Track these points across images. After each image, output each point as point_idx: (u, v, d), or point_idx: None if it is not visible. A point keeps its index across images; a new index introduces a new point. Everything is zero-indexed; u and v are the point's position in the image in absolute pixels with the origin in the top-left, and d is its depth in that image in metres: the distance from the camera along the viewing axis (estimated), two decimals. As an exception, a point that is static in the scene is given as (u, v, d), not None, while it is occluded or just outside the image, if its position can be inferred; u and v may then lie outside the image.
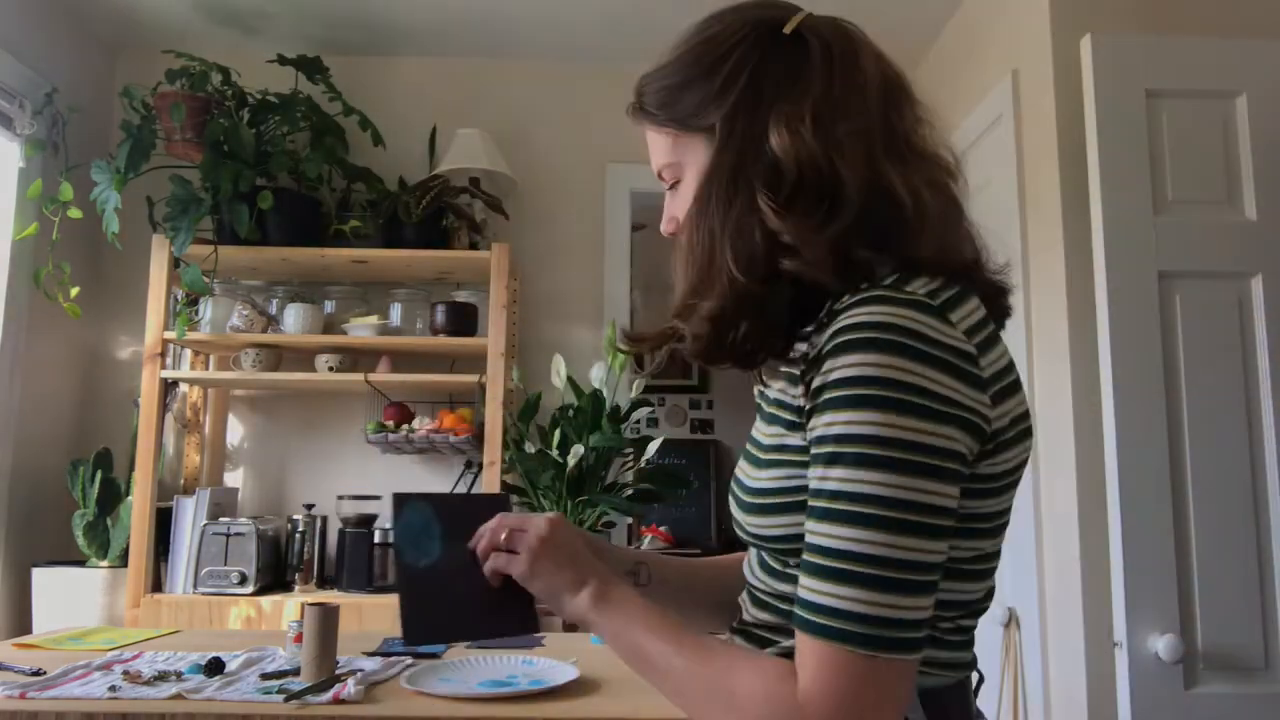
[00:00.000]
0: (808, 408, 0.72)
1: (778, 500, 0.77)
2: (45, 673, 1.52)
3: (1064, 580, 2.01)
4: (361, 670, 1.57)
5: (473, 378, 2.67)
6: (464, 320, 2.73)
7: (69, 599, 2.54)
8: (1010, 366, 0.76)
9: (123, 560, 2.59)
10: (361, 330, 2.71)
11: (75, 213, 2.57)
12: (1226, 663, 1.71)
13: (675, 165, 0.84)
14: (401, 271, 2.86)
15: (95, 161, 2.61)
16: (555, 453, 2.66)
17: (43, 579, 2.55)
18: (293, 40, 2.99)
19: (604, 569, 0.84)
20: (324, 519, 2.75)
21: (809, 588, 0.68)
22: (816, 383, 0.71)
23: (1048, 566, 2.10)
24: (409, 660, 1.70)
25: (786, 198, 0.74)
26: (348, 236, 2.74)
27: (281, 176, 2.73)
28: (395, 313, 2.88)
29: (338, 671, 1.55)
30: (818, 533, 0.68)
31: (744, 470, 0.83)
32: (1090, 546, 1.93)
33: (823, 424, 0.69)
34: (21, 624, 2.58)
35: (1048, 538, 2.10)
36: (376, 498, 2.80)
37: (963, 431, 0.69)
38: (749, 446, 0.84)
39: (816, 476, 0.69)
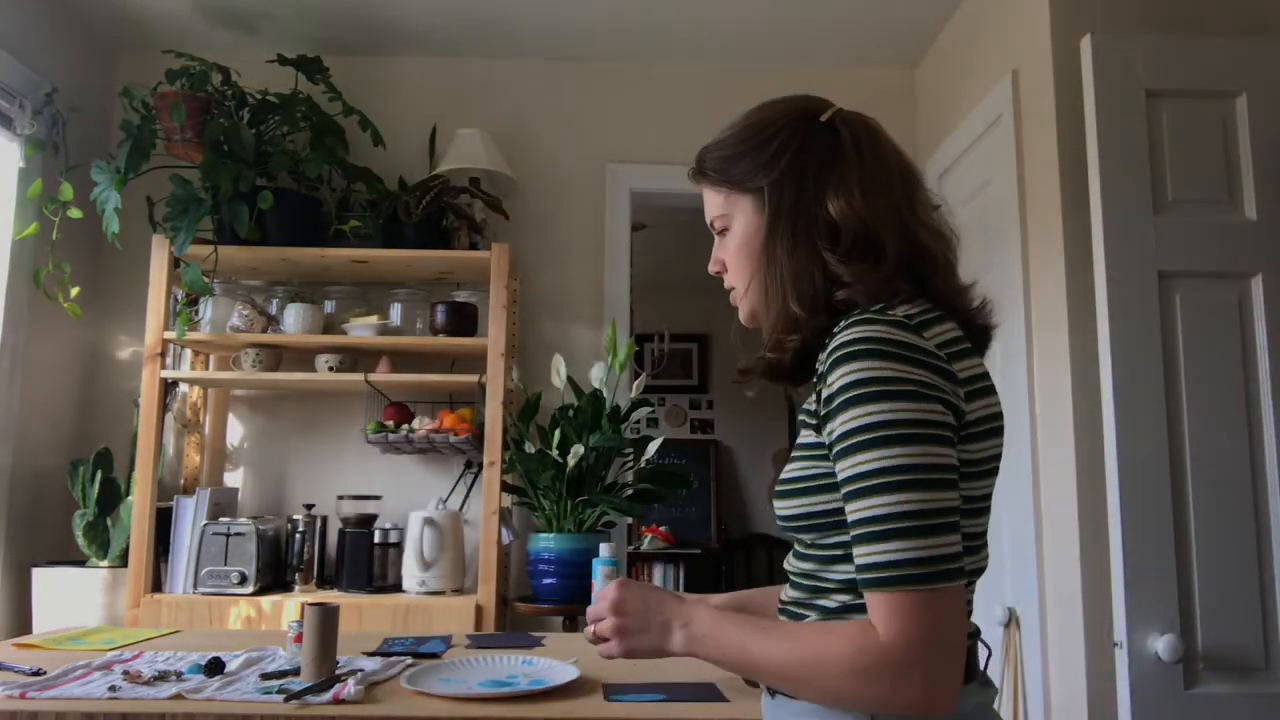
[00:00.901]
0: (822, 413, 0.89)
1: (796, 486, 0.93)
2: (45, 673, 1.52)
3: (1064, 580, 2.01)
4: (361, 670, 1.57)
5: (473, 378, 2.67)
6: (464, 320, 2.73)
7: (69, 599, 2.54)
8: (982, 376, 0.93)
9: (123, 560, 2.59)
10: (361, 330, 2.71)
11: (75, 213, 2.57)
12: (1226, 663, 1.71)
13: (725, 217, 1.05)
14: (401, 271, 2.86)
15: (95, 161, 2.61)
16: (555, 453, 2.66)
17: (43, 579, 2.55)
18: (293, 40, 2.99)
19: (677, 604, 0.98)
20: (324, 519, 2.75)
21: (863, 554, 0.83)
22: (825, 394, 0.88)
23: (1048, 566, 2.10)
24: (409, 660, 1.70)
25: (846, 250, 0.94)
26: (348, 236, 2.74)
27: (281, 176, 2.73)
28: (395, 313, 2.88)
29: (338, 671, 1.55)
30: (857, 509, 0.83)
31: (784, 469, 0.99)
32: (1090, 546, 1.93)
33: (837, 426, 0.86)
34: (21, 624, 2.58)
35: (1048, 538, 2.10)
36: (377, 498, 2.80)
37: (944, 407, 0.85)
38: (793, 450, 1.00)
39: (844, 469, 0.85)
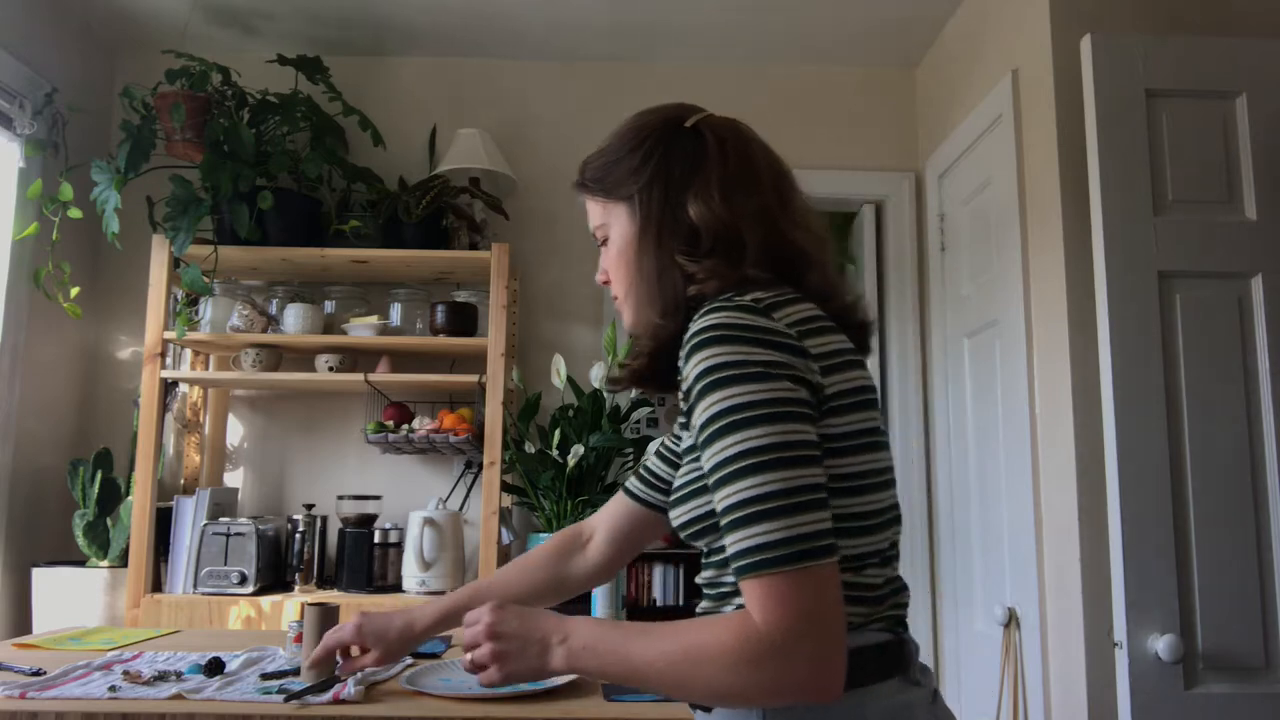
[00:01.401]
0: (685, 408, 0.90)
1: (684, 491, 0.94)
2: (45, 673, 1.52)
3: (1064, 580, 2.01)
4: (362, 670, 1.57)
5: (473, 378, 2.67)
6: (464, 320, 2.73)
7: (69, 599, 2.54)
8: (842, 351, 0.92)
9: (123, 560, 2.59)
10: (361, 330, 2.71)
11: (75, 213, 2.57)
12: (1226, 663, 1.71)
13: (604, 226, 1.07)
14: (401, 271, 2.86)
15: (95, 161, 2.60)
16: (555, 453, 2.66)
17: (43, 579, 2.55)
18: (293, 40, 2.99)
19: (554, 620, 0.94)
20: (324, 519, 2.75)
21: (731, 541, 0.81)
22: (684, 387, 0.88)
23: (1048, 566, 2.10)
24: (409, 660, 1.70)
25: (706, 252, 0.95)
26: (348, 236, 2.74)
27: (281, 176, 2.72)
28: (395, 313, 2.88)
29: (337, 672, 1.55)
30: (721, 497, 0.82)
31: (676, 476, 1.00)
32: (1090, 546, 1.93)
33: (695, 416, 0.85)
34: (21, 624, 2.58)
35: (1048, 538, 2.10)
36: (377, 498, 2.80)
37: (794, 384, 0.84)
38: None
39: (706, 458, 0.84)
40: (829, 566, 0.79)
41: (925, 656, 2.83)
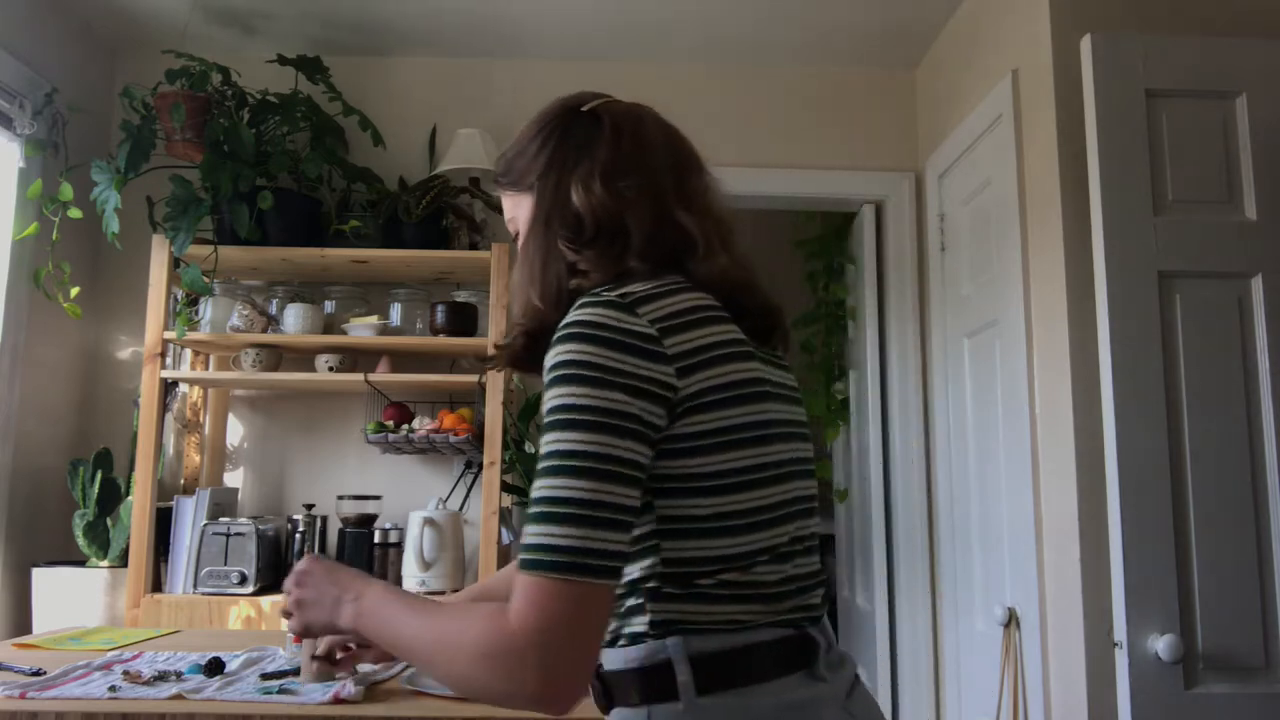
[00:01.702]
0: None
1: None
2: (45, 673, 1.52)
3: (1064, 580, 2.01)
4: (361, 670, 1.57)
5: (473, 378, 2.67)
6: (464, 320, 2.73)
7: (69, 599, 2.54)
8: (720, 344, 0.89)
9: (123, 560, 2.59)
10: (361, 330, 2.71)
11: (75, 213, 2.57)
12: (1226, 663, 1.71)
13: (514, 219, 1.06)
14: (401, 271, 2.86)
15: (95, 161, 2.60)
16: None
17: (43, 579, 2.55)
18: (293, 40, 2.99)
19: (355, 580, 0.99)
20: (324, 519, 2.75)
21: (526, 533, 0.81)
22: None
23: (1048, 566, 2.10)
24: (409, 660, 1.70)
25: (588, 239, 0.94)
26: (348, 236, 2.74)
27: (281, 176, 2.72)
28: (395, 313, 2.88)
29: (338, 675, 1.55)
30: (534, 487, 0.82)
31: None
32: (1090, 546, 1.93)
33: (544, 405, 0.85)
34: (21, 624, 2.58)
35: (1048, 538, 2.10)
36: (377, 498, 2.80)
37: (634, 396, 0.82)
38: None
39: (540, 446, 0.84)
40: (600, 588, 0.78)
41: (925, 656, 2.84)
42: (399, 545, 2.69)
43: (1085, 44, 1.87)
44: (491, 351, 1.07)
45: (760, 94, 3.14)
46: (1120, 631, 1.70)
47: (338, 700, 1.40)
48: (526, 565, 0.79)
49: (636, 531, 0.87)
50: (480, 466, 2.71)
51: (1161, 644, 1.67)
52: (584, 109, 1.03)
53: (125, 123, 2.61)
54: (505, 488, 2.70)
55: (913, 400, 2.97)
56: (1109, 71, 1.85)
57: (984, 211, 2.54)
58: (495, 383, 2.64)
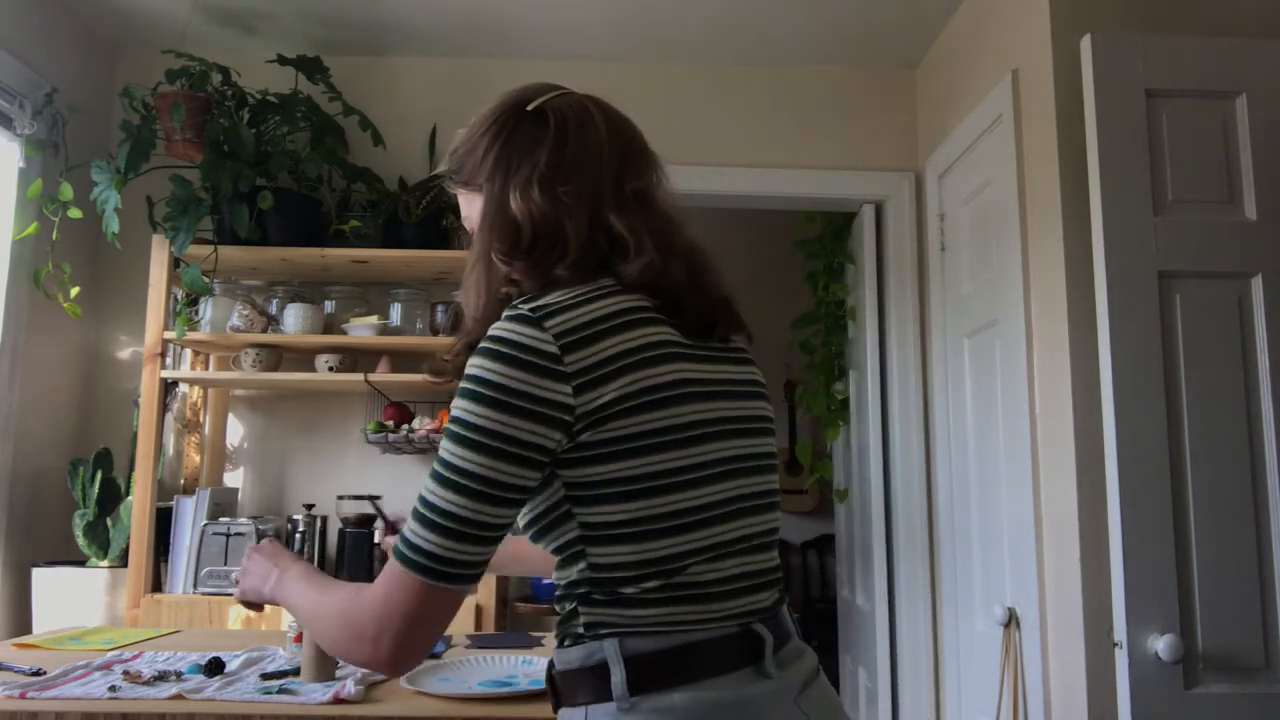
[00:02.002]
0: None
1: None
2: (45, 673, 1.52)
3: (1064, 580, 2.01)
4: (361, 670, 1.57)
5: (473, 378, 2.67)
6: (464, 320, 2.72)
7: (69, 599, 2.54)
8: (640, 349, 0.89)
9: (123, 560, 2.59)
10: (361, 330, 2.71)
11: (75, 213, 2.57)
12: (1226, 663, 1.71)
13: (469, 218, 1.06)
14: (401, 271, 2.86)
15: (95, 161, 2.60)
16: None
17: (43, 579, 2.55)
18: (293, 40, 2.99)
19: (290, 562, 1.12)
20: (324, 519, 2.75)
21: (404, 525, 0.89)
22: None
23: (1048, 566, 2.10)
24: (409, 660, 1.70)
25: (525, 248, 0.95)
26: (348, 236, 2.74)
27: (281, 176, 2.72)
28: (395, 313, 2.88)
29: (338, 672, 1.55)
30: (423, 486, 0.89)
31: None
32: (1090, 546, 1.93)
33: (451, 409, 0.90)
34: (21, 624, 2.58)
35: (1048, 538, 2.10)
36: (377, 498, 2.79)
37: (526, 420, 0.85)
38: None
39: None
40: (450, 592, 0.87)
41: (925, 656, 2.84)
42: (399, 545, 2.69)
43: (1085, 44, 1.87)
44: (434, 366, 1.09)
45: (760, 94, 3.14)
46: (1120, 631, 1.70)
47: (338, 700, 1.40)
48: (395, 554, 0.88)
49: (564, 538, 0.91)
50: (480, 466, 2.71)
51: (1161, 644, 1.67)
52: (529, 108, 1.01)
53: (125, 123, 2.61)
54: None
55: (913, 400, 2.97)
56: (1109, 71, 1.85)
57: (984, 211, 2.54)
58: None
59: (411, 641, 0.87)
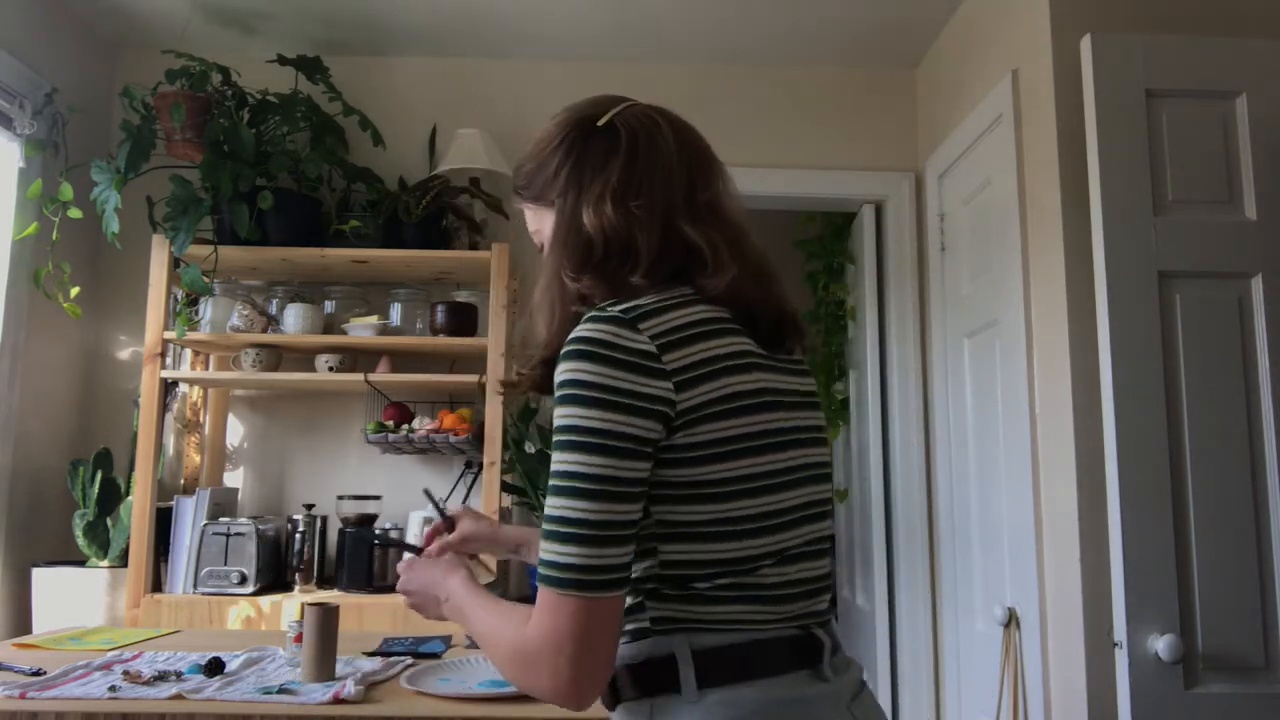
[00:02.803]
0: None
1: None
2: (45, 673, 1.52)
3: (1064, 580, 2.01)
4: (361, 670, 1.57)
5: (473, 378, 2.67)
6: (464, 320, 2.73)
7: (69, 599, 2.54)
8: (725, 357, 0.92)
9: (123, 560, 2.59)
10: (361, 330, 2.71)
11: (75, 213, 2.57)
12: (1226, 663, 1.71)
13: (538, 232, 1.07)
14: (401, 271, 2.86)
15: (95, 161, 2.60)
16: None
17: (43, 579, 2.55)
18: (293, 40, 2.99)
19: (441, 580, 1.08)
20: (324, 519, 2.75)
21: (540, 548, 0.87)
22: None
23: (1048, 566, 2.10)
24: (409, 660, 1.70)
25: (596, 262, 0.96)
26: (348, 236, 2.74)
27: (281, 176, 2.72)
28: (395, 313, 2.88)
29: (338, 672, 1.55)
30: (547, 504, 0.88)
31: None
32: (1090, 546, 1.93)
33: (553, 424, 0.89)
34: (21, 624, 2.58)
35: (1048, 538, 2.10)
36: (377, 498, 2.80)
37: (635, 416, 0.86)
38: None
39: (551, 462, 0.88)
40: (604, 600, 0.85)
41: (925, 656, 2.84)
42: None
43: (1085, 44, 1.87)
44: (508, 379, 1.09)
45: (760, 94, 3.14)
46: (1120, 631, 1.70)
47: (338, 700, 1.40)
48: (541, 579, 0.86)
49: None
50: (480, 466, 2.71)
51: (1161, 644, 1.67)
52: (600, 123, 1.03)
53: (125, 123, 2.61)
54: (505, 488, 2.70)
55: (913, 400, 2.97)
56: (1109, 71, 1.85)
57: (984, 211, 2.54)
58: (495, 383, 2.64)
59: (589, 663, 0.85)
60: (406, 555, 1.21)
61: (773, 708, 0.89)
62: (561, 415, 0.87)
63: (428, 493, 1.49)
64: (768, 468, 0.92)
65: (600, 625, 0.85)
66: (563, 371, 0.87)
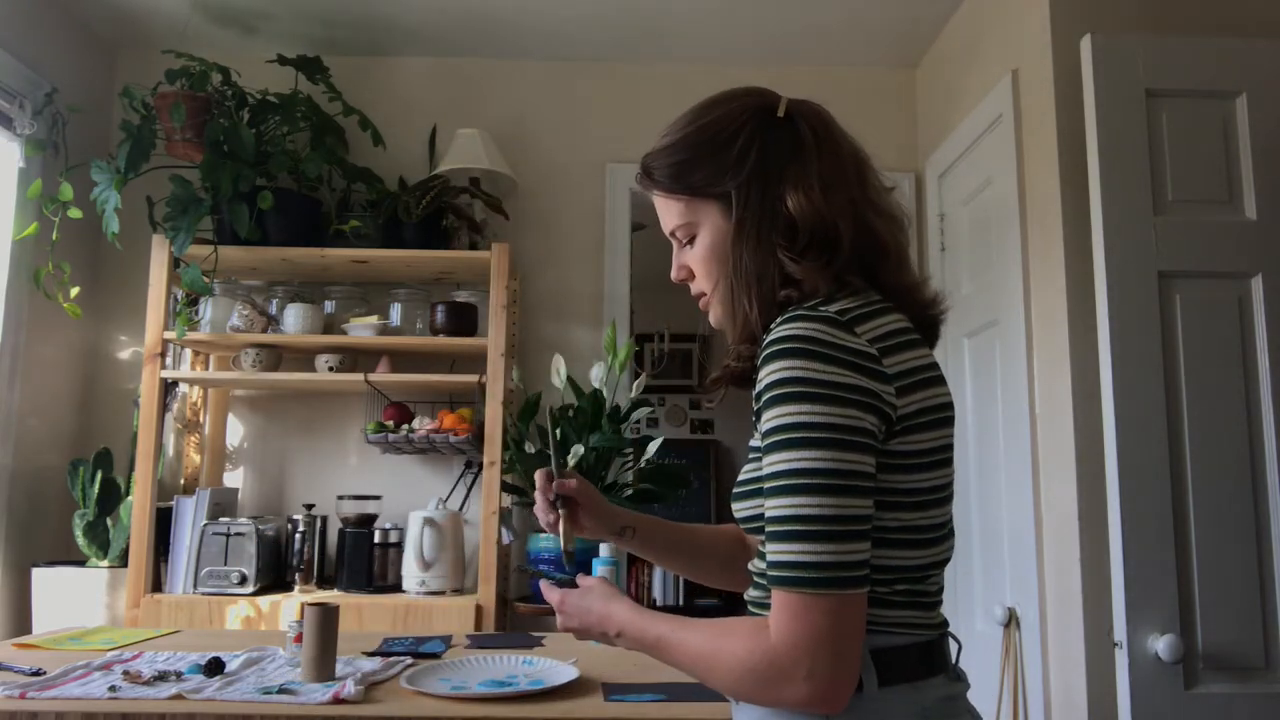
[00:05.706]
0: (755, 409, 0.90)
1: (747, 488, 0.95)
2: (45, 673, 1.52)
3: (1064, 580, 2.01)
4: (361, 670, 1.57)
5: (473, 378, 2.67)
6: (464, 320, 2.73)
7: (69, 599, 2.54)
8: (926, 368, 0.93)
9: (123, 560, 2.59)
10: (361, 330, 2.71)
11: (75, 213, 2.57)
12: (1226, 663, 1.71)
13: (689, 225, 1.02)
14: (401, 271, 2.86)
15: (95, 161, 2.60)
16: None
17: (43, 579, 2.55)
18: (293, 40, 2.99)
19: (603, 611, 1.02)
20: (324, 519, 2.75)
21: (772, 551, 0.84)
22: (757, 389, 0.89)
23: (1048, 566, 2.10)
24: (409, 660, 1.70)
25: (803, 248, 0.94)
26: (348, 236, 2.74)
27: (281, 176, 2.72)
28: (395, 313, 2.88)
29: (338, 672, 1.55)
30: (772, 507, 0.85)
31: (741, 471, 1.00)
32: (1090, 546, 1.93)
33: (764, 422, 0.86)
34: (21, 624, 2.58)
35: (1048, 538, 2.10)
36: (377, 498, 2.80)
37: (863, 411, 0.85)
38: None
39: (766, 464, 0.86)
40: (854, 597, 0.83)
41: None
42: (399, 545, 2.69)
43: (1085, 44, 1.87)
44: (713, 376, 1.04)
45: (760, 94, 3.13)
46: (1120, 631, 1.70)
47: (338, 700, 1.40)
48: (784, 582, 0.83)
49: None
50: (480, 466, 2.71)
51: (1161, 644, 1.67)
52: (779, 114, 1.01)
53: (125, 123, 2.61)
54: (505, 488, 2.70)
55: (913, 400, 2.97)
56: (1109, 71, 1.85)
57: (984, 211, 2.54)
58: (495, 383, 2.64)
59: (843, 663, 0.82)
60: (543, 582, 1.12)
61: (940, 705, 0.92)
62: (781, 413, 0.84)
63: (548, 432, 1.34)
64: (944, 480, 0.94)
65: (855, 624, 0.83)
66: (778, 370, 0.85)
